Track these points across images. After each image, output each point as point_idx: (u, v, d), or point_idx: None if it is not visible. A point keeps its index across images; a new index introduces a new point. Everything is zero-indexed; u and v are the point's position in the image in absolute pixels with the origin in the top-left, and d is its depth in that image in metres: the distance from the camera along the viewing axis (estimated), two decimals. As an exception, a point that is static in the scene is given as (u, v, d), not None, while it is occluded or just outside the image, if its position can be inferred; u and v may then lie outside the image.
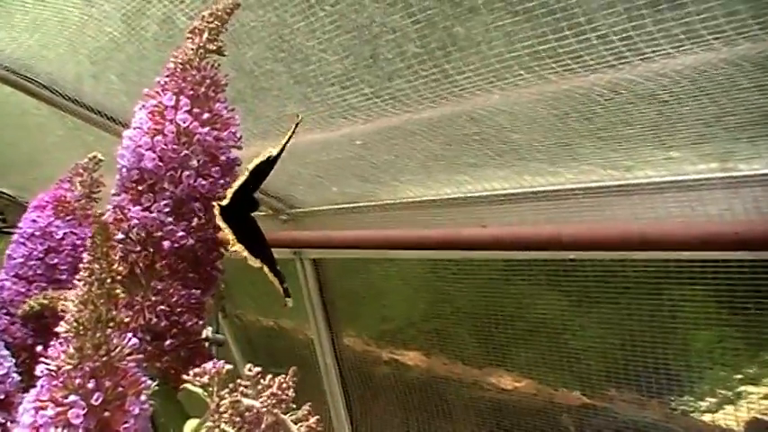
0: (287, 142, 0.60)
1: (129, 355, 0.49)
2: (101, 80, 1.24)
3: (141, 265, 0.57)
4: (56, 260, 0.78)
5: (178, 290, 0.57)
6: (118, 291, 0.50)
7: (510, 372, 1.22)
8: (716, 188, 0.80)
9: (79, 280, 0.49)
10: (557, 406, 1.15)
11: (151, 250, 0.57)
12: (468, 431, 1.33)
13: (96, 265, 0.48)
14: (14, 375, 0.61)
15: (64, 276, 0.78)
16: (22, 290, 0.78)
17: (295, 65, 0.93)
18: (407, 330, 1.43)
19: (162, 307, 0.56)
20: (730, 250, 0.78)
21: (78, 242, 0.78)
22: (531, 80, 0.68)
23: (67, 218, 0.79)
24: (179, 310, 0.56)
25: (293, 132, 0.60)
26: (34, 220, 0.79)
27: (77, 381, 0.47)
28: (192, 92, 0.58)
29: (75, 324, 0.47)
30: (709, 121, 0.72)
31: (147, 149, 0.57)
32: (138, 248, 0.56)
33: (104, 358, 0.48)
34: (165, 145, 0.56)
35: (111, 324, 0.49)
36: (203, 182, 0.57)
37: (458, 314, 1.28)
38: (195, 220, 0.57)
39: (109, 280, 0.49)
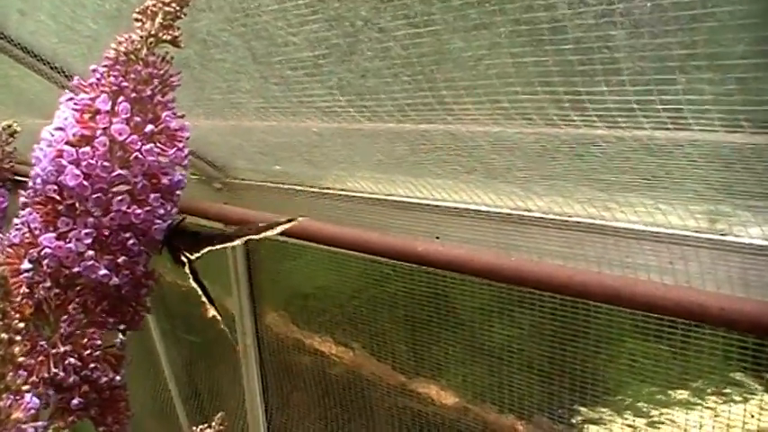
0: (280, 232, 0.52)
1: (26, 422, 0.40)
2: (29, 17, 1.08)
3: (51, 304, 0.45)
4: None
5: (93, 337, 0.46)
6: (17, 354, 0.39)
7: (442, 387, 1.16)
8: (702, 248, 0.73)
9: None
10: (487, 428, 1.10)
11: (64, 287, 0.46)
12: (389, 438, 1.27)
13: (-10, 325, 0.38)
14: None
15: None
16: None
17: (256, 42, 0.81)
18: (338, 325, 1.34)
19: (71, 360, 0.45)
20: (711, 324, 0.72)
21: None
22: (541, 125, 0.59)
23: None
24: (92, 364, 0.46)
25: (286, 226, 0.52)
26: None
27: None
28: (134, 94, 0.46)
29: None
30: (714, 183, 0.65)
31: (69, 161, 0.45)
32: (49, 284, 0.45)
33: (-8, 435, 0.38)
34: (94, 160, 0.45)
35: (7, 392, 0.39)
36: (138, 210, 0.46)
37: (396, 318, 1.20)
38: (123, 256, 0.46)
39: (6, 340, 0.38)
